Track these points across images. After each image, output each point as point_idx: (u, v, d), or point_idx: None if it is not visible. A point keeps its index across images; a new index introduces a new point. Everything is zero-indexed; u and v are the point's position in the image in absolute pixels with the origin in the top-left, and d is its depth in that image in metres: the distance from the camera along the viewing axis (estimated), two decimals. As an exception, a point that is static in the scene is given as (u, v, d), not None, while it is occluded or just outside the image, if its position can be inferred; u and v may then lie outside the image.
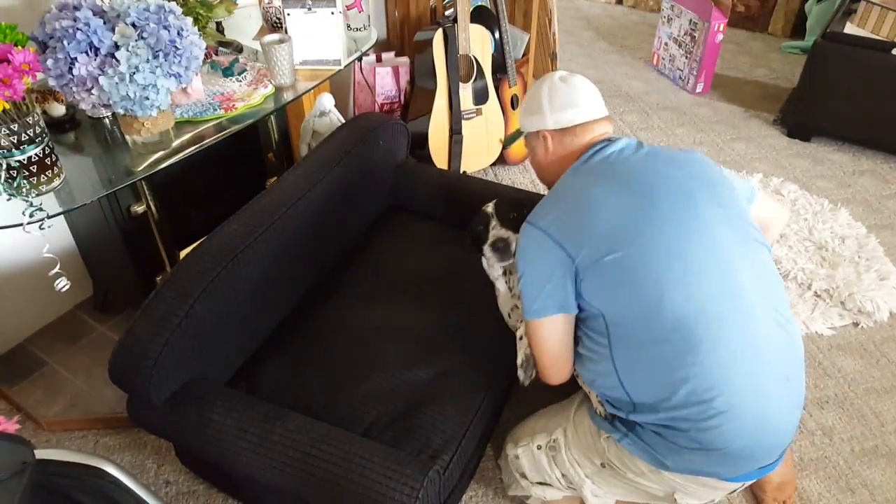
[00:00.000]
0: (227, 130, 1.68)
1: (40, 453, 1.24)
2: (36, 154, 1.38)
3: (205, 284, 1.46)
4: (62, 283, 1.44)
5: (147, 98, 1.40)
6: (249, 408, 1.44)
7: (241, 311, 1.56)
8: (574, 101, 1.44)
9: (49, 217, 1.36)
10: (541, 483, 1.52)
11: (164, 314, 1.42)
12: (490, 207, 1.65)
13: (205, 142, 1.64)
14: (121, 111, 1.43)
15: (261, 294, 1.60)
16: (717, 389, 1.22)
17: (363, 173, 1.91)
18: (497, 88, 2.70)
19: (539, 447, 1.49)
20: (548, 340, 1.36)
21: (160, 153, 1.56)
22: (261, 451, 1.37)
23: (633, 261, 1.23)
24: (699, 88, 3.42)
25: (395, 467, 1.32)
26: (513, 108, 2.79)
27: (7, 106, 1.28)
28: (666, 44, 3.54)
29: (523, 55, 3.11)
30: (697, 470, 1.31)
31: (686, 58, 3.41)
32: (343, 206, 1.84)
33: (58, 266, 1.42)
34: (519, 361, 1.52)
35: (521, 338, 1.53)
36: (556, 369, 1.40)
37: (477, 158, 2.75)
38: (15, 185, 1.37)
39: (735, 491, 1.37)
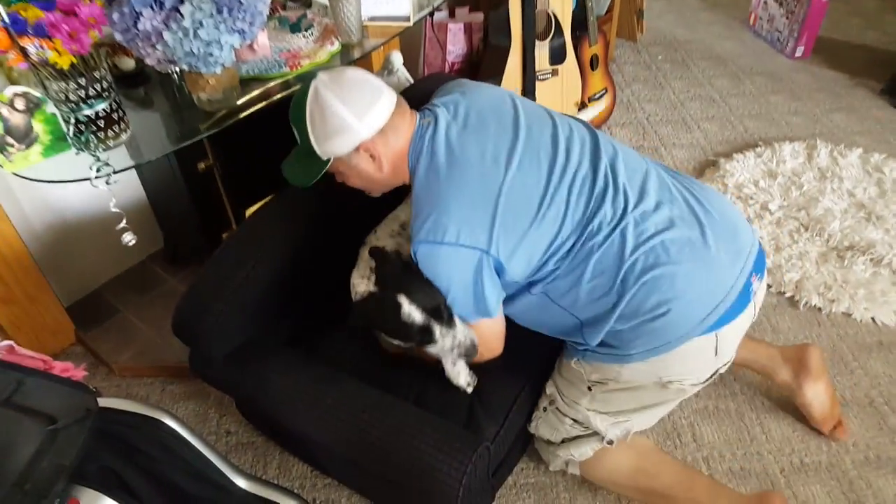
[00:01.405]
0: (293, 88, 1.66)
1: (103, 401, 1.29)
2: (103, 109, 1.40)
3: (266, 246, 1.47)
4: (129, 238, 1.47)
5: (211, 54, 1.39)
6: (306, 369, 1.46)
7: (303, 274, 1.56)
8: (373, 90, 1.28)
9: (115, 172, 1.37)
10: (564, 442, 1.50)
11: (226, 273, 1.44)
12: (368, 285, 1.38)
13: (270, 100, 1.63)
14: (185, 67, 1.42)
15: (324, 257, 1.59)
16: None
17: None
18: (576, 47, 2.57)
19: (545, 409, 1.50)
20: (497, 328, 1.37)
21: (225, 110, 1.56)
22: (315, 413, 1.38)
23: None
24: (799, 52, 3.17)
25: (446, 439, 1.30)
26: (592, 69, 2.65)
27: (74, 60, 1.30)
28: (765, 1, 3.28)
29: (606, 12, 2.95)
30: (656, 348, 1.31)
31: (787, 18, 3.15)
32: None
33: (124, 221, 1.45)
34: (464, 384, 1.45)
35: (455, 365, 1.43)
36: (500, 346, 1.40)
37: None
38: (83, 139, 1.39)
39: (720, 351, 1.33)
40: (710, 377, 1.38)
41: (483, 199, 1.25)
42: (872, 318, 1.98)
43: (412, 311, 1.29)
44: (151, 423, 1.28)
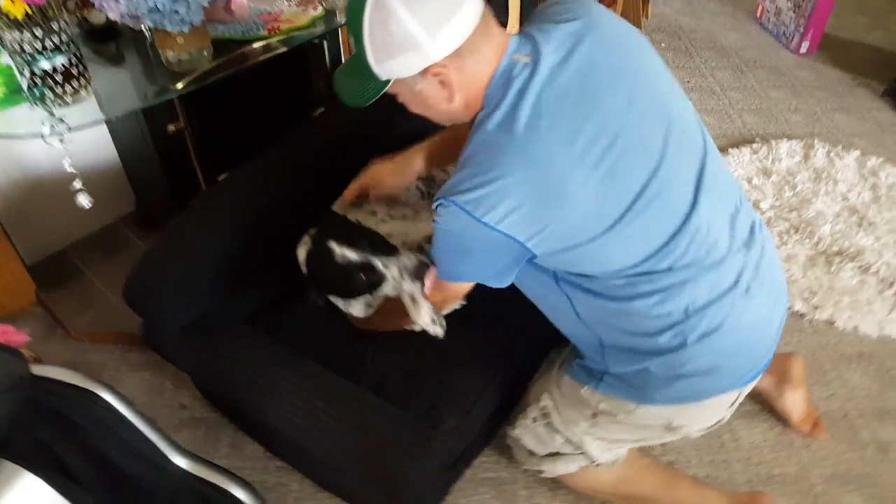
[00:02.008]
0: (270, 54, 1.59)
1: (38, 369, 1.23)
2: (62, 63, 1.33)
3: (231, 217, 1.40)
4: (84, 200, 1.41)
5: (177, 12, 1.32)
6: (263, 349, 1.41)
7: (268, 249, 1.49)
8: (448, 3, 0.98)
9: (70, 130, 1.31)
10: (550, 455, 1.43)
11: (185, 242, 1.38)
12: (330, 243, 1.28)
13: (245, 63, 1.55)
14: (150, 24, 1.35)
15: (290, 236, 1.53)
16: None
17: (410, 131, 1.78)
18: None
19: (534, 419, 1.41)
20: (467, 288, 1.22)
21: (196, 72, 1.49)
22: (268, 397, 1.34)
23: (608, 240, 1.06)
24: (804, 48, 3.08)
25: (399, 431, 1.26)
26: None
27: (29, 10, 1.22)
28: (773, -6, 3.19)
29: (610, -5, 2.86)
30: (686, 395, 1.23)
31: (794, 12, 3.06)
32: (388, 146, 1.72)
33: (78, 182, 1.39)
34: (430, 321, 1.30)
35: (415, 301, 1.29)
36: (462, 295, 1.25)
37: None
38: (38, 93, 1.32)
39: (735, 402, 1.28)
40: (716, 423, 1.33)
41: (550, 193, 1.01)
42: (855, 328, 1.93)
43: (345, 252, 1.24)
44: (86, 395, 1.23)
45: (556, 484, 1.56)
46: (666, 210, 1.08)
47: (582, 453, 1.39)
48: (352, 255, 1.24)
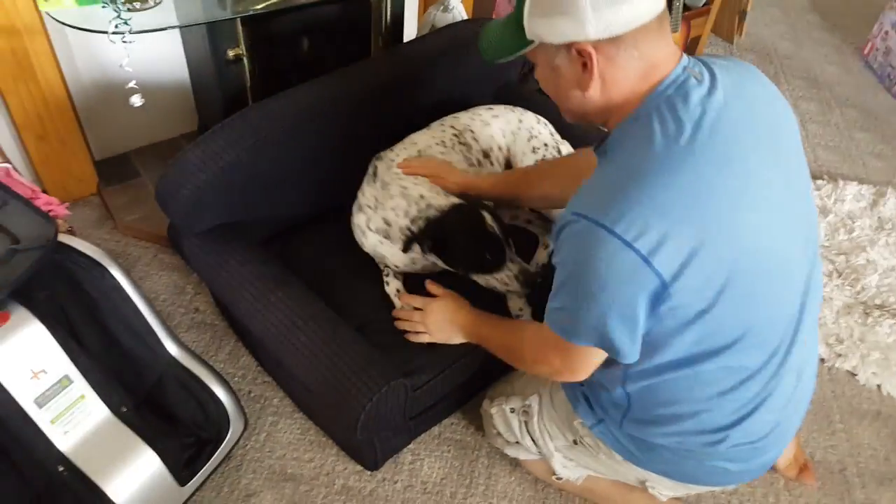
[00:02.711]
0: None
1: (65, 238, 1.37)
2: (137, -31, 1.45)
3: (257, 137, 1.49)
4: (136, 99, 1.53)
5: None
6: (264, 265, 1.50)
7: (291, 178, 1.58)
8: None
9: (132, 32, 1.43)
10: (516, 443, 1.46)
11: (214, 150, 1.46)
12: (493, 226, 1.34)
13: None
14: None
15: (314, 168, 1.61)
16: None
17: (456, 82, 1.83)
18: (656, 32, 2.44)
19: (512, 409, 1.41)
20: (593, 359, 1.06)
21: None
22: (257, 306, 1.42)
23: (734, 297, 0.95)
24: (906, 94, 2.92)
25: (365, 365, 1.32)
26: (669, 58, 2.52)
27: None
28: (886, 32, 3.02)
29: (704, 4, 2.79)
30: (673, 474, 1.22)
31: (903, 55, 2.90)
32: (423, 109, 1.77)
33: (133, 82, 1.51)
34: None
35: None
36: (583, 373, 1.10)
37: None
38: (110, -7, 1.45)
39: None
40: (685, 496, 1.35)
41: (716, 226, 0.90)
42: (878, 386, 1.84)
43: (495, 226, 1.32)
44: (101, 270, 1.36)
45: (518, 463, 1.59)
46: (782, 309, 1.03)
47: (543, 457, 1.41)
48: (499, 232, 1.32)
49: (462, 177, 1.46)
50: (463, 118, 1.65)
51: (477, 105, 1.73)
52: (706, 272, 0.89)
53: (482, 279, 1.40)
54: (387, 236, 1.45)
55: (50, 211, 1.49)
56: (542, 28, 0.94)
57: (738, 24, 2.99)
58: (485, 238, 1.33)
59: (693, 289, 0.90)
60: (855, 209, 2.32)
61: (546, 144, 1.67)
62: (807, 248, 1.07)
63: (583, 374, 1.09)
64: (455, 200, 1.39)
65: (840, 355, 1.89)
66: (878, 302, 2.02)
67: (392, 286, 1.51)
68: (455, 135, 1.59)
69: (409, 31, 2.16)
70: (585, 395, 1.23)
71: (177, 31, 1.96)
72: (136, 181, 2.14)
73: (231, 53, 1.76)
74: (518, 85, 2.05)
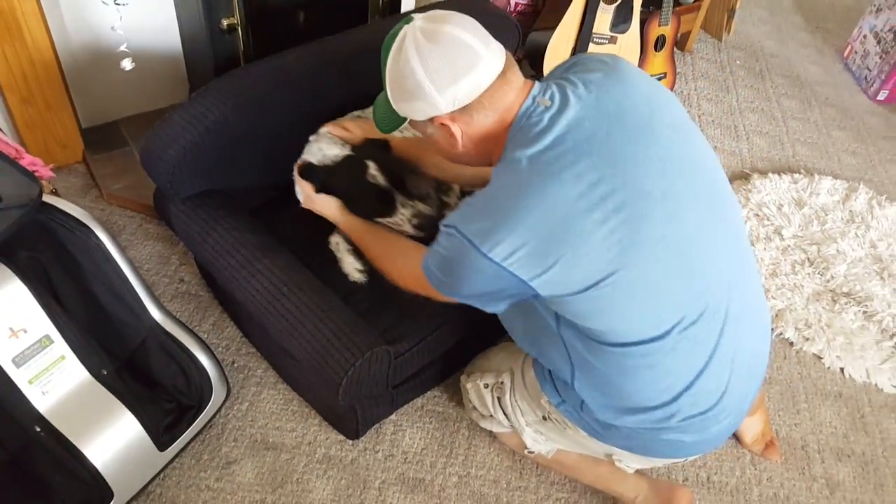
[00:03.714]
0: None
1: (49, 199, 1.37)
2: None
3: (243, 97, 1.48)
4: (126, 63, 1.53)
5: None
6: (250, 233, 1.50)
7: (279, 142, 1.58)
8: (466, 61, 1.03)
9: (125, -6, 1.42)
10: (491, 416, 1.49)
11: (200, 110, 1.46)
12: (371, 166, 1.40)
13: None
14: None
15: (302, 133, 1.59)
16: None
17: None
18: (644, 22, 2.48)
19: (486, 385, 1.46)
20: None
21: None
22: (242, 273, 1.43)
23: (616, 288, 1.03)
24: (882, 96, 2.98)
25: (349, 331, 1.34)
26: (656, 49, 2.57)
27: None
28: (865, 36, 3.08)
29: (694, 0, 2.83)
30: (635, 448, 1.26)
31: (880, 57, 2.96)
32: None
33: (125, 45, 1.50)
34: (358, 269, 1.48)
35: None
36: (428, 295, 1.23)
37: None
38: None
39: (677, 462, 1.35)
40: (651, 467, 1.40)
41: (560, 233, 1.01)
42: (841, 369, 1.91)
43: (377, 176, 1.37)
44: (86, 230, 1.35)
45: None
46: (692, 275, 1.08)
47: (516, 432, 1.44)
48: (381, 181, 1.37)
49: (366, 132, 1.50)
50: None
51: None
52: (562, 269, 1.01)
53: (383, 222, 1.44)
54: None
55: (35, 171, 1.48)
56: (404, 110, 1.13)
57: (727, 22, 3.04)
58: (366, 186, 1.39)
59: (559, 282, 1.03)
60: (828, 202, 2.37)
61: None
62: (713, 218, 1.11)
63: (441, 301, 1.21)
64: (347, 152, 1.45)
65: (808, 339, 1.95)
66: (845, 290, 2.07)
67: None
68: None
69: (407, 4, 2.16)
70: (552, 375, 1.29)
71: (169, -1, 1.95)
72: (123, 150, 2.12)
73: (225, 23, 1.75)
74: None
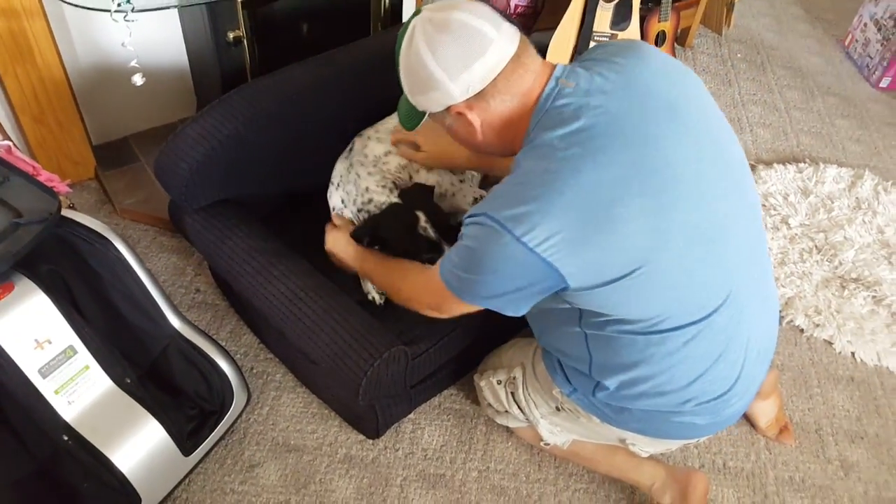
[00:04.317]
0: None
1: (68, 213, 1.40)
2: (140, -49, 1.48)
3: (255, 111, 1.52)
4: (137, 79, 1.56)
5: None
6: (265, 240, 1.53)
7: (289, 153, 1.62)
8: (477, 46, 1.02)
9: (134, 10, 1.46)
10: (506, 412, 1.51)
11: (212, 125, 1.49)
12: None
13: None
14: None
15: (312, 144, 1.64)
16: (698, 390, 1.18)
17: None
18: (644, 18, 2.51)
19: (499, 381, 1.48)
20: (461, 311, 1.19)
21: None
22: (259, 279, 1.45)
23: (650, 276, 1.02)
24: (884, 83, 2.99)
25: (366, 332, 1.36)
26: (656, 44, 2.59)
27: None
28: (865, 24, 3.10)
29: (692, -6, 2.85)
30: (648, 431, 1.29)
31: (882, 45, 2.97)
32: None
33: (135, 61, 1.54)
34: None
35: None
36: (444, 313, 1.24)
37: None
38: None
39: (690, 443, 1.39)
40: (664, 451, 1.42)
41: (596, 218, 0.98)
42: (852, 353, 1.92)
43: (428, 229, 1.38)
44: (104, 243, 1.38)
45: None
46: (720, 258, 1.09)
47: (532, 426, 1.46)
48: (432, 234, 1.39)
49: (438, 147, 1.47)
50: None
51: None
52: (597, 257, 1.00)
53: None
54: (341, 214, 1.56)
55: (52, 186, 1.51)
56: (421, 103, 1.12)
57: (727, 16, 3.06)
58: (417, 239, 1.38)
59: (593, 271, 1.01)
60: (834, 190, 2.39)
61: None
62: (738, 202, 1.13)
63: (448, 317, 1.23)
64: (393, 199, 1.46)
65: (818, 325, 1.96)
66: (853, 276, 2.09)
67: None
68: None
69: (409, 13, 2.19)
70: (562, 365, 1.30)
71: (175, 13, 1.99)
72: (134, 165, 2.16)
73: (231, 35, 1.78)
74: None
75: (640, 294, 1.04)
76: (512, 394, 1.46)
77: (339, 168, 1.59)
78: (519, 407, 1.46)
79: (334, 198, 1.59)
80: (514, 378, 1.44)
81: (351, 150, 1.58)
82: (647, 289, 1.03)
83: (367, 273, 1.46)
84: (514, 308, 1.11)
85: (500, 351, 1.56)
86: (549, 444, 1.47)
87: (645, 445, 1.36)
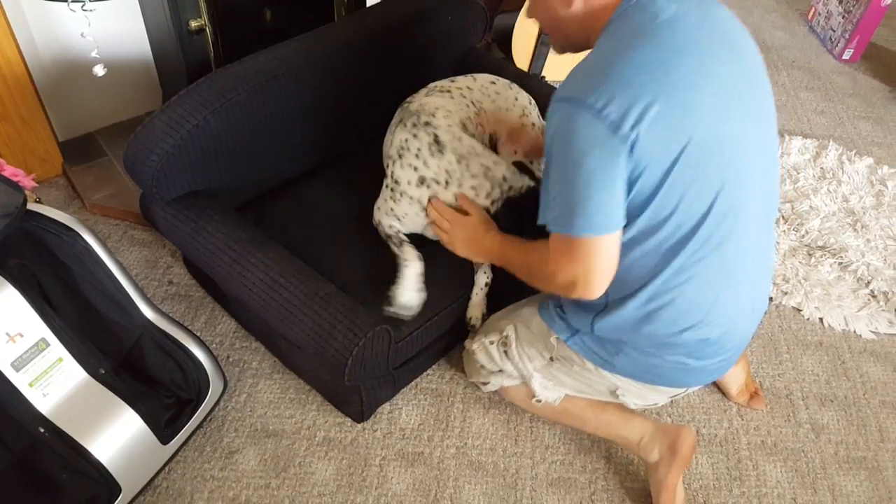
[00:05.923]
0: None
1: (34, 206, 1.39)
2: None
3: (223, 100, 1.50)
4: (99, 69, 1.55)
5: None
6: (239, 229, 1.52)
7: (259, 142, 1.61)
8: None
9: (91, 0, 1.45)
10: (500, 371, 1.53)
11: (181, 114, 1.47)
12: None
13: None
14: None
15: (282, 132, 1.64)
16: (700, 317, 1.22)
17: (420, 47, 1.88)
18: None
19: (492, 342, 1.50)
20: (601, 259, 1.13)
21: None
22: (237, 268, 1.44)
23: (698, 151, 1.07)
24: (847, 55, 3.04)
25: (349, 314, 1.36)
26: (621, 25, 2.61)
27: None
28: (827, -3, 3.15)
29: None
30: (640, 375, 1.33)
31: (843, 17, 3.02)
32: (390, 74, 1.82)
33: (96, 51, 1.53)
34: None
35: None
36: (602, 284, 1.17)
37: (563, 67, 2.62)
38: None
39: (677, 395, 1.40)
40: (651, 405, 1.44)
41: (680, 98, 1.04)
42: (820, 319, 1.96)
43: None
44: (72, 234, 1.38)
45: (490, 403, 1.66)
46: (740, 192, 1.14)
47: (524, 383, 1.49)
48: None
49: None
50: (476, 91, 1.65)
51: (455, 72, 1.75)
52: (665, 137, 1.04)
53: None
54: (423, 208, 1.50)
55: (17, 181, 1.50)
56: None
57: (688, -8, 3.09)
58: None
59: (653, 155, 1.04)
60: (800, 161, 2.43)
61: (534, 124, 1.70)
62: (766, 149, 1.21)
63: (598, 279, 1.15)
64: (528, 182, 1.45)
65: (786, 293, 2.01)
66: (820, 244, 2.13)
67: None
68: (476, 113, 1.61)
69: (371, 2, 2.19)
70: (561, 310, 1.35)
71: (136, 4, 1.97)
72: (102, 160, 2.14)
73: (193, 24, 1.77)
74: (483, 49, 2.10)
75: (681, 180, 1.08)
76: (505, 352, 1.48)
77: (436, 164, 1.46)
78: (512, 364, 1.47)
79: (445, 195, 1.47)
80: (507, 336, 1.46)
81: (438, 143, 1.47)
82: (687, 173, 1.07)
83: (509, 259, 1.39)
84: (612, 209, 1.08)
85: (488, 319, 1.58)
86: (540, 401, 1.48)
87: (634, 396, 1.38)
